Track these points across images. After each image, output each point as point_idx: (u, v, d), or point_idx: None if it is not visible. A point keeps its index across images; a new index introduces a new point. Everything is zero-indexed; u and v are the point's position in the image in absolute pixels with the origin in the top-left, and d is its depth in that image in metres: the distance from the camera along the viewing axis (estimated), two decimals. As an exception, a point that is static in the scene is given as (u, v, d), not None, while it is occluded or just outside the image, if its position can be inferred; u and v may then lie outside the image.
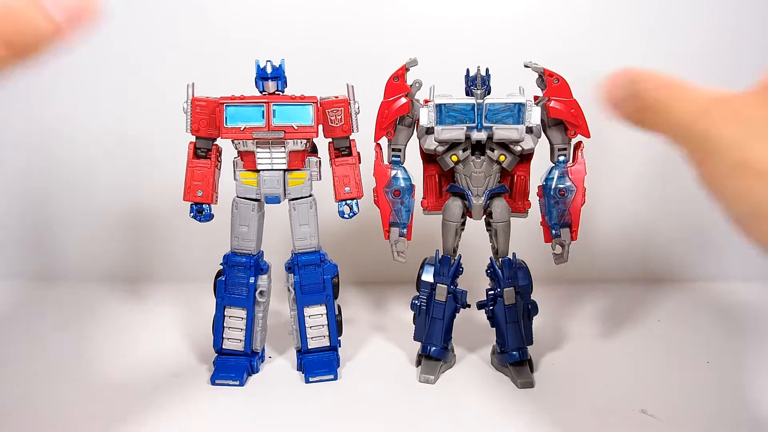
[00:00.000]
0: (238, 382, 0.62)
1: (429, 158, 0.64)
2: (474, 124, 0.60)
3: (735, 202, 0.34)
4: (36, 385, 0.62)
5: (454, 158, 0.61)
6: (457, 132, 0.60)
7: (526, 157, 0.63)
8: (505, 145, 0.61)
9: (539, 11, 0.92)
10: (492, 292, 0.64)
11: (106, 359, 0.67)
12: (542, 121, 0.62)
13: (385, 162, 0.65)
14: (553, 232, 0.64)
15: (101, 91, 0.94)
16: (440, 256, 0.63)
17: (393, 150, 0.64)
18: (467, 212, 0.64)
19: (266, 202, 0.63)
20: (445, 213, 0.64)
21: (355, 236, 0.92)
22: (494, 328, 0.65)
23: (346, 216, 0.64)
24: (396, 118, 0.63)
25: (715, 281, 0.97)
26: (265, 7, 0.91)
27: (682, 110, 0.38)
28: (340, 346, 0.66)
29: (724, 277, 0.98)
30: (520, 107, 0.59)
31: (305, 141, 0.61)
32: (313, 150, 0.65)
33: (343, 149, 0.63)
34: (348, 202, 0.63)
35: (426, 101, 0.62)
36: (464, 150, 0.61)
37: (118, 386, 0.61)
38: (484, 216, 0.64)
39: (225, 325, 0.64)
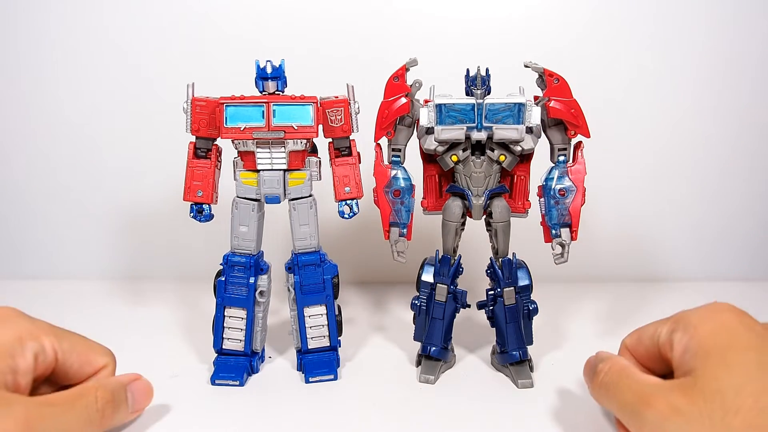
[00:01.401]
0: (238, 382, 0.62)
1: (429, 158, 0.64)
2: (474, 124, 0.60)
3: None
4: (36, 385, 0.62)
5: (454, 158, 0.61)
6: (457, 132, 0.60)
7: (526, 157, 0.63)
8: (505, 145, 0.61)
9: (539, 11, 0.92)
10: (492, 292, 0.64)
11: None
12: (542, 121, 0.62)
13: (385, 162, 0.65)
14: (553, 232, 0.64)
15: (101, 90, 0.95)
16: (440, 256, 0.63)
17: (393, 150, 0.64)
18: (467, 212, 0.64)
19: (266, 202, 0.63)
20: (445, 213, 0.64)
21: (355, 236, 0.92)
22: (494, 328, 0.65)
23: (346, 216, 0.64)
24: (396, 118, 0.63)
25: (714, 281, 0.97)
26: (265, 8, 0.91)
27: (627, 390, 0.44)
28: (340, 346, 0.66)
29: (723, 277, 0.98)
30: (520, 107, 0.59)
31: (305, 141, 0.61)
32: (313, 150, 0.65)
33: (343, 149, 0.63)
34: (348, 202, 0.63)
35: (426, 101, 0.62)
36: (464, 150, 0.61)
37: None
38: (484, 216, 0.64)
39: (225, 325, 0.64)
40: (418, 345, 0.66)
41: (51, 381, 0.47)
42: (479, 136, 0.60)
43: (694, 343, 0.42)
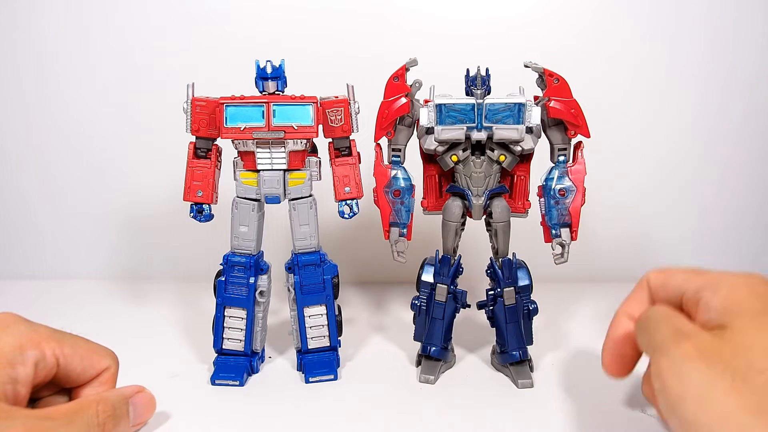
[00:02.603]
0: (238, 382, 0.62)
1: (429, 158, 0.64)
2: (474, 124, 0.60)
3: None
4: (36, 385, 0.62)
5: (454, 158, 0.61)
6: (457, 132, 0.60)
7: (526, 157, 0.63)
8: (505, 145, 0.61)
9: (539, 11, 0.92)
10: (492, 292, 0.64)
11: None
12: (542, 121, 0.62)
13: (385, 162, 0.65)
14: (553, 232, 0.64)
15: (101, 90, 0.95)
16: (440, 256, 0.63)
17: (393, 150, 0.64)
18: (467, 212, 0.64)
19: (266, 202, 0.63)
20: (445, 213, 0.64)
21: (355, 236, 0.92)
22: (494, 328, 0.65)
23: (346, 216, 0.64)
24: (396, 118, 0.63)
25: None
26: (265, 8, 0.91)
27: (665, 326, 0.42)
28: (340, 346, 0.66)
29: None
30: (520, 107, 0.59)
31: (305, 141, 0.61)
32: (313, 150, 0.65)
33: (343, 149, 0.63)
34: (348, 202, 0.63)
35: (426, 101, 0.62)
36: (464, 150, 0.61)
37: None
38: (484, 216, 0.64)
39: (225, 325, 0.64)
40: (418, 345, 0.66)
41: (53, 384, 0.46)
42: (479, 136, 0.60)
43: (727, 303, 0.41)
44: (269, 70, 0.60)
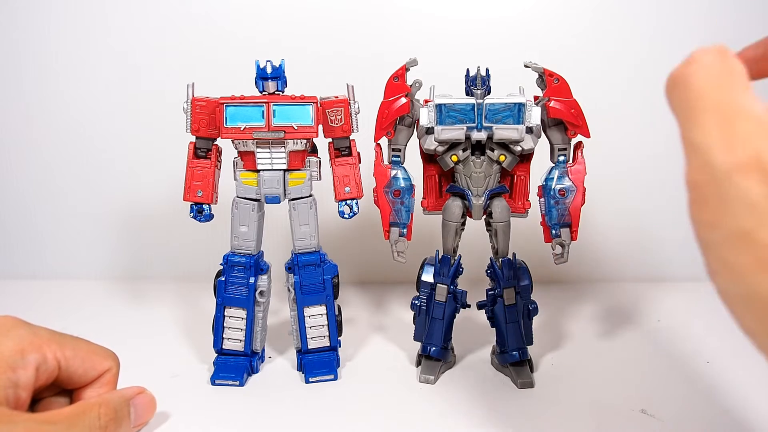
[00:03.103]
0: (238, 382, 0.62)
1: (429, 158, 0.64)
2: (474, 124, 0.60)
3: (732, 279, 0.28)
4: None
5: (454, 158, 0.61)
6: (457, 132, 0.60)
7: (526, 157, 0.63)
8: (505, 145, 0.61)
9: (539, 11, 0.92)
10: (492, 292, 0.64)
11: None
12: (542, 121, 0.62)
13: (385, 162, 0.65)
14: (553, 232, 0.64)
15: (101, 90, 0.95)
16: (440, 256, 0.63)
17: (393, 150, 0.64)
18: (467, 212, 0.64)
19: (266, 202, 0.63)
20: (445, 213, 0.64)
21: (355, 236, 0.92)
22: (494, 328, 0.65)
23: (346, 216, 0.64)
24: (396, 118, 0.63)
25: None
26: (266, 8, 0.91)
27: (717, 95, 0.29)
28: (340, 346, 0.66)
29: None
30: (520, 107, 0.59)
31: (305, 141, 0.61)
32: (313, 150, 0.65)
33: (343, 149, 0.63)
34: (348, 202, 0.63)
35: (426, 101, 0.62)
36: (464, 150, 0.61)
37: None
38: (484, 216, 0.64)
39: (225, 325, 0.64)
40: (418, 345, 0.66)
41: (54, 385, 0.46)
42: (479, 136, 0.60)
43: None
44: (269, 70, 0.60)
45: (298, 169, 0.62)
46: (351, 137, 0.63)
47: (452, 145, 0.61)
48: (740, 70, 0.30)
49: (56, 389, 0.47)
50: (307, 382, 0.63)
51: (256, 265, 0.64)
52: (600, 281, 0.95)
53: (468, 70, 0.61)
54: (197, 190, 0.63)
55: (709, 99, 0.29)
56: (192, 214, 0.64)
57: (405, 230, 0.65)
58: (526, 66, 0.63)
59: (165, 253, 0.98)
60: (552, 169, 0.64)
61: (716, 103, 0.29)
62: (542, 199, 0.64)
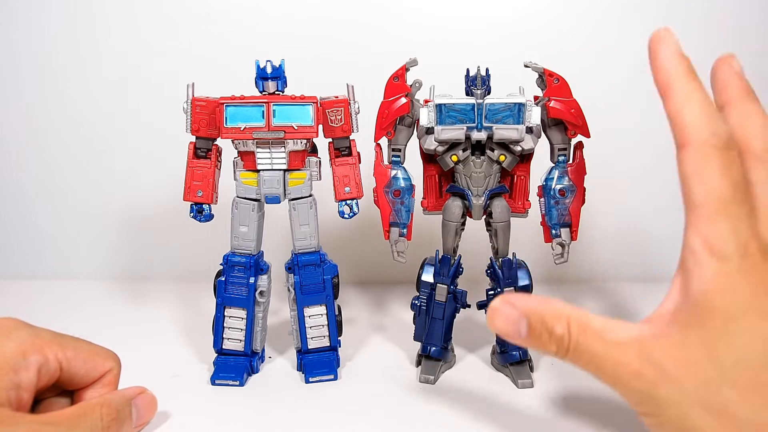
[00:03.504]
0: (238, 382, 0.62)
1: (429, 158, 0.64)
2: (474, 124, 0.60)
3: None
4: (36, 385, 0.62)
5: (454, 158, 0.61)
6: (457, 132, 0.60)
7: (526, 157, 0.63)
8: (505, 145, 0.61)
9: (539, 11, 0.92)
10: (492, 292, 0.64)
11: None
12: (542, 121, 0.62)
13: (385, 162, 0.65)
14: (553, 232, 0.64)
15: (101, 90, 0.95)
16: (440, 256, 0.63)
17: (393, 150, 0.64)
18: (467, 212, 0.64)
19: (266, 202, 0.63)
20: (445, 213, 0.64)
21: (355, 236, 0.92)
22: (494, 328, 0.65)
23: (346, 216, 0.64)
24: (396, 118, 0.63)
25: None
26: (265, 8, 0.91)
27: (614, 364, 0.37)
28: (340, 346, 0.66)
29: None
30: (520, 107, 0.59)
31: (305, 141, 0.61)
32: (313, 150, 0.65)
33: (343, 149, 0.63)
34: (348, 202, 0.63)
35: (426, 101, 0.62)
36: (464, 150, 0.61)
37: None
38: (484, 216, 0.64)
39: (225, 325, 0.64)
40: (418, 345, 0.66)
41: (56, 386, 0.46)
42: (479, 136, 0.60)
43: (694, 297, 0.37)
44: (269, 70, 0.60)
45: (298, 169, 0.62)
46: (351, 137, 0.63)
47: (452, 145, 0.61)
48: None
49: (57, 390, 0.47)
50: (307, 382, 0.63)
51: (256, 265, 0.64)
52: (600, 281, 0.95)
53: (468, 70, 0.61)
54: (197, 190, 0.63)
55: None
56: (192, 214, 0.64)
57: (405, 230, 0.65)
58: (526, 66, 0.63)
59: (165, 253, 0.98)
60: (552, 169, 0.64)
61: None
62: (542, 199, 0.64)
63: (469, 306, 0.65)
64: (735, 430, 0.34)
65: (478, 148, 0.62)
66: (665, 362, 0.35)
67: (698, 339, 0.35)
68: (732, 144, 0.38)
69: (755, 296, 0.35)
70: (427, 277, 0.64)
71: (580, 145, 0.64)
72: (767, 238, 0.37)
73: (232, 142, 0.61)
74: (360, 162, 0.64)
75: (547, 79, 0.61)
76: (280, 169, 0.62)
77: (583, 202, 0.64)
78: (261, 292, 0.64)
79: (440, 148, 0.61)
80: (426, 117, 0.61)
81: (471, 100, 0.60)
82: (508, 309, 0.40)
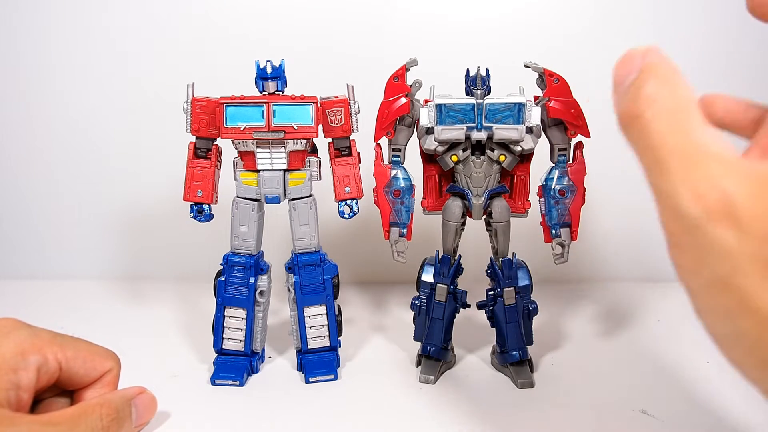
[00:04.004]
0: (238, 382, 0.62)
1: (429, 158, 0.64)
2: (474, 124, 0.60)
3: (717, 320, 0.28)
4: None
5: (454, 158, 0.61)
6: (457, 132, 0.60)
7: (526, 157, 0.63)
8: (505, 145, 0.61)
9: (539, 11, 0.92)
10: (492, 292, 0.64)
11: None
12: (542, 121, 0.62)
13: (385, 162, 0.65)
14: (553, 232, 0.64)
15: (101, 90, 0.95)
16: (440, 256, 0.63)
17: (393, 150, 0.64)
18: (467, 212, 0.64)
19: (266, 202, 0.63)
20: (445, 213, 0.64)
21: (355, 236, 0.92)
22: (494, 328, 0.65)
23: (346, 216, 0.64)
24: (396, 118, 0.63)
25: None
26: (265, 8, 0.91)
27: (680, 168, 0.28)
28: (340, 346, 0.66)
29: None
30: (520, 107, 0.59)
31: (305, 141, 0.61)
32: (313, 150, 0.65)
33: (343, 149, 0.63)
34: (348, 202, 0.63)
35: (426, 101, 0.62)
36: (464, 150, 0.61)
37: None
38: (484, 216, 0.64)
39: (225, 325, 0.64)
40: (418, 345, 0.66)
41: (55, 386, 0.46)
42: (479, 136, 0.60)
43: None
44: (269, 70, 0.60)
45: (298, 169, 0.62)
46: (351, 137, 0.63)
47: (452, 145, 0.61)
48: (692, 100, 0.30)
49: (57, 390, 0.47)
50: (307, 382, 0.63)
51: (256, 265, 0.64)
52: (600, 281, 0.95)
53: (468, 70, 0.61)
54: (197, 190, 0.63)
55: (669, 144, 0.28)
56: (192, 214, 0.64)
57: (405, 230, 0.65)
58: (526, 66, 0.63)
59: (165, 253, 0.98)
60: (552, 169, 0.64)
61: (677, 147, 0.28)
62: (542, 199, 0.64)
63: (469, 306, 0.65)
64: None
65: (478, 148, 0.62)
66: (742, 205, 0.26)
67: None
68: None
69: None
70: (427, 277, 0.64)
71: (580, 145, 0.64)
72: None
73: (232, 142, 0.61)
74: (360, 162, 0.64)
75: (547, 79, 0.61)
76: (280, 169, 0.62)
77: (583, 202, 0.64)
78: (261, 292, 0.64)
79: (440, 148, 0.61)
80: (426, 117, 0.61)
81: (471, 100, 0.60)
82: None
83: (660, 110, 0.29)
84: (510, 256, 0.63)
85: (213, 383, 0.62)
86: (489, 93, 0.61)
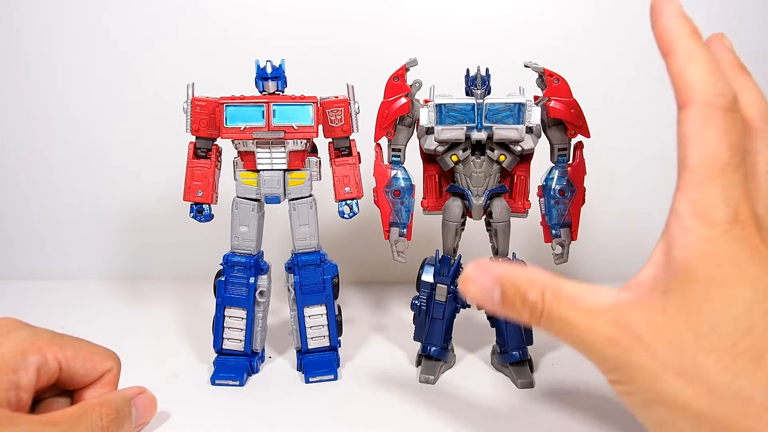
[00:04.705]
0: (238, 382, 0.62)
1: (429, 158, 0.64)
2: (474, 124, 0.60)
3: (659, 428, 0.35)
4: (36, 385, 0.62)
5: (454, 158, 0.61)
6: (457, 132, 0.60)
7: (526, 157, 0.63)
8: (505, 145, 0.61)
9: (539, 11, 0.92)
10: (492, 292, 0.64)
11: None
12: (542, 121, 0.62)
13: (385, 162, 0.65)
14: (553, 232, 0.64)
15: (101, 90, 0.95)
16: (440, 256, 0.63)
17: (393, 150, 0.64)
18: (467, 212, 0.64)
19: (266, 202, 0.63)
20: (445, 213, 0.64)
21: (355, 236, 0.92)
22: (494, 328, 0.65)
23: (346, 216, 0.64)
24: (396, 118, 0.63)
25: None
26: (265, 8, 0.91)
27: (587, 330, 0.37)
28: (340, 346, 0.66)
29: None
30: (520, 107, 0.59)
31: (305, 141, 0.61)
32: (313, 150, 0.65)
33: (343, 149, 0.63)
34: (348, 202, 0.63)
35: (426, 101, 0.62)
36: (464, 150, 0.61)
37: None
38: (484, 216, 0.64)
39: (225, 325, 0.64)
40: (418, 345, 0.66)
41: (55, 386, 0.46)
42: (479, 136, 0.60)
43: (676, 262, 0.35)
44: (269, 70, 0.60)
45: (298, 169, 0.62)
46: (351, 137, 0.63)
47: (452, 145, 0.61)
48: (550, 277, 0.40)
49: (57, 390, 0.47)
50: (307, 382, 0.63)
51: (256, 265, 0.64)
52: (600, 281, 0.94)
53: (468, 70, 0.61)
54: (197, 190, 0.63)
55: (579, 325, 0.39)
56: (192, 214, 0.64)
57: (405, 230, 0.65)
58: (526, 66, 0.63)
59: (165, 253, 0.98)
60: (552, 169, 0.64)
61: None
62: (542, 199, 0.65)
63: (469, 306, 0.65)
64: (710, 396, 0.33)
65: (478, 148, 0.62)
66: (641, 329, 0.35)
67: (677, 305, 0.34)
68: (736, 106, 0.36)
69: (739, 262, 0.34)
70: (427, 277, 0.64)
71: (580, 145, 0.64)
72: (758, 206, 0.37)
73: (232, 142, 0.61)
74: (360, 162, 0.64)
75: (547, 79, 0.61)
76: (280, 169, 0.62)
77: (583, 202, 0.64)
78: (261, 292, 0.64)
79: (440, 148, 0.61)
80: (426, 117, 0.61)
81: (471, 100, 0.60)
82: (481, 275, 0.40)
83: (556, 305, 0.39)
84: (510, 256, 0.63)
85: (213, 383, 0.62)
86: (489, 93, 0.61)
